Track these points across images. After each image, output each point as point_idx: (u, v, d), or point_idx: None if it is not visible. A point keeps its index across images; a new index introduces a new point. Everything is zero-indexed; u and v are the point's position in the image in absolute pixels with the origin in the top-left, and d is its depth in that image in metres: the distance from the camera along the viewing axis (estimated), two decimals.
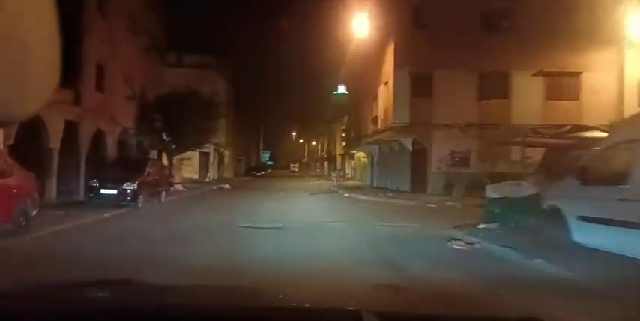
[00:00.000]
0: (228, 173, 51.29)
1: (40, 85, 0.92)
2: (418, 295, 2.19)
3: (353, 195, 22.53)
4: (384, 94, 22.16)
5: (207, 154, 40.92)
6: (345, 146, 50.75)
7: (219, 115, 24.20)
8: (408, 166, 22.34)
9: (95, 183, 13.73)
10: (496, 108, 20.46)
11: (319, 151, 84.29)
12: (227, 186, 30.22)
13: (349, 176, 46.33)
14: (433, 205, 17.39)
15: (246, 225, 10.54)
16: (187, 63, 41.05)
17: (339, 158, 56.62)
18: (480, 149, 20.41)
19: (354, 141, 32.98)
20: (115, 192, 13.53)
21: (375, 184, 30.24)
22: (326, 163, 73.32)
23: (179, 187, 23.36)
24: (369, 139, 25.54)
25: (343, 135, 52.53)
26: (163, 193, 16.39)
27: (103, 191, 13.54)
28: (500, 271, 6.47)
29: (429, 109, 20.41)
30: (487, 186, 12.01)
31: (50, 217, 11.48)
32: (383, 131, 22.01)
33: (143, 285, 2.02)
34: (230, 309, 1.38)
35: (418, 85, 20.37)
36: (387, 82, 21.76)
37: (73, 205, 13.62)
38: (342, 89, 68.58)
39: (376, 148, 29.30)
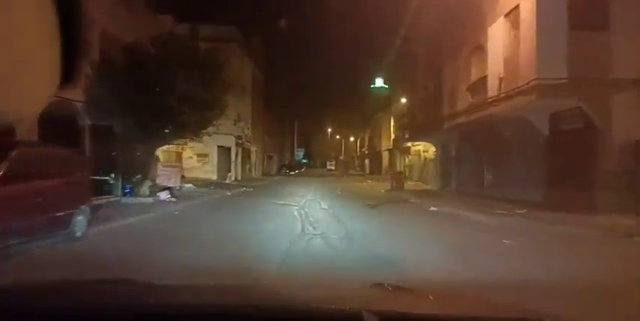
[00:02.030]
0: (256, 172, 42.45)
1: (41, 85, 0.91)
2: (419, 295, 1.92)
3: (446, 209, 12.94)
4: (505, 36, 12.36)
5: (229, 149, 32.11)
6: (394, 139, 41.05)
7: (227, 82, 15.02)
8: (542, 161, 12.66)
9: None
10: None
11: (358, 148, 74.74)
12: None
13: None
14: None
15: None
16: (205, 35, 32.31)
17: (385, 154, 46.92)
18: None
19: (419, 129, 23.21)
20: None
21: (452, 188, 20.59)
22: (367, 161, 63.81)
23: (164, 195, 14.39)
24: (459, 120, 15.62)
25: (392, 126, 42.84)
26: (80, 219, 7.28)
27: None
28: None
29: (604, 53, 10.58)
30: None
31: None
32: (505, 98, 12.06)
33: (142, 284, 1.87)
34: (230, 308, 1.32)
35: (581, 7, 10.57)
36: (511, 11, 11.95)
37: None
38: (379, 82, 59.20)
39: (454, 136, 19.63)
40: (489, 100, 12.85)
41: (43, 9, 0.82)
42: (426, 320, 1.33)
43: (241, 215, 11.45)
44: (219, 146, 31.05)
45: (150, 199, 13.56)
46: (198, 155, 30.77)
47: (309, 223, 10.13)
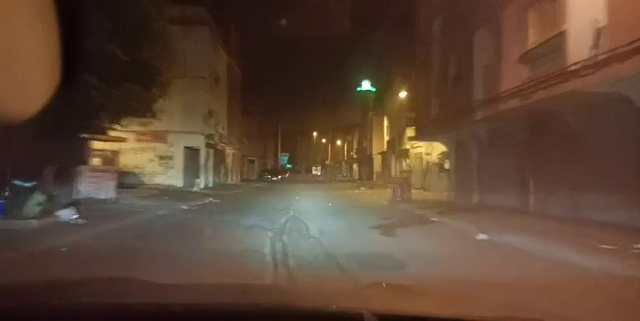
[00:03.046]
0: (233, 178, 37.24)
1: (40, 85, 0.86)
2: (419, 295, 1.86)
3: (505, 239, 8.03)
4: None
5: (197, 150, 26.87)
6: (389, 141, 36.33)
7: (167, 42, 9.98)
8: None
9: None
10: None
11: (346, 152, 69.95)
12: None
13: None
14: None
15: None
16: (170, 18, 27.31)
17: (377, 158, 42.20)
18: None
19: (432, 124, 18.41)
20: None
21: (474, 199, 15.85)
22: (355, 166, 59.09)
23: (67, 214, 9.16)
24: (508, 104, 10.60)
25: (385, 127, 38.14)
26: None
27: None
28: None
29: None
30: None
31: None
32: (612, 60, 7.03)
33: (143, 283, 1.82)
34: (230, 309, 1.28)
35: None
36: None
37: None
38: (366, 85, 54.37)
39: (480, 132, 14.94)
40: (572, 67, 8.02)
41: (42, 9, 0.79)
42: (426, 320, 1.28)
43: (169, 257, 6.34)
44: (186, 147, 25.89)
45: (36, 223, 8.38)
46: (161, 158, 25.53)
47: (287, 272, 5.23)
